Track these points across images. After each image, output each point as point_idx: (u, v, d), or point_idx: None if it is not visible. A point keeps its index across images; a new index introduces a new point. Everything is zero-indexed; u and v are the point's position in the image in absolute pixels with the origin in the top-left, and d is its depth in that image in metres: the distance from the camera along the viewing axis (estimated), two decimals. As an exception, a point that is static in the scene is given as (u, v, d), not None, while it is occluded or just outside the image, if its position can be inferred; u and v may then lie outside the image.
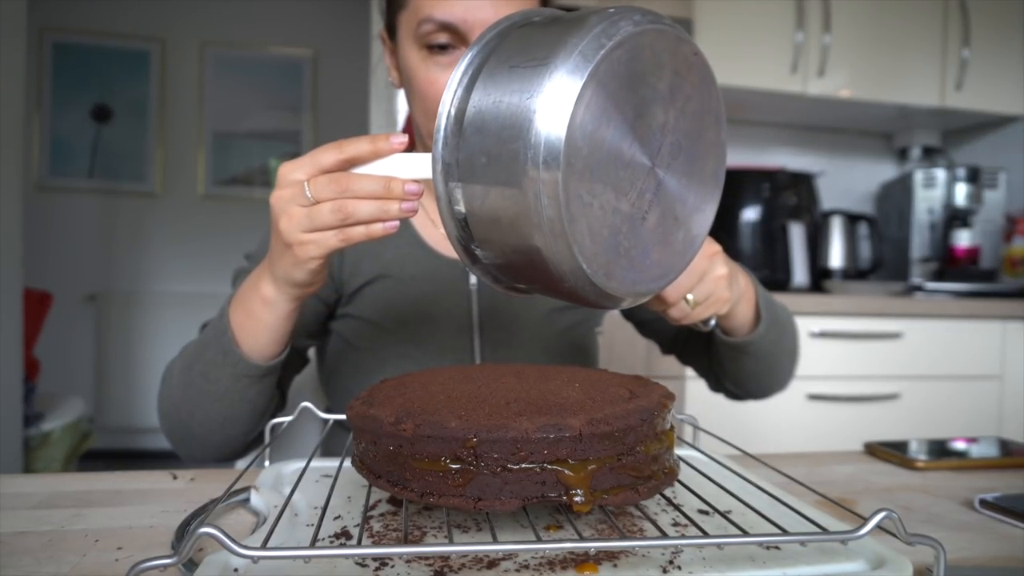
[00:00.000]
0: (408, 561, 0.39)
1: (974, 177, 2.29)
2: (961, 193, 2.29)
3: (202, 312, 3.35)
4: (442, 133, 0.43)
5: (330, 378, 0.88)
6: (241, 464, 0.85)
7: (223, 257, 3.54)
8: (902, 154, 2.63)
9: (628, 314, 0.93)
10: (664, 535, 0.38)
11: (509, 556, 0.40)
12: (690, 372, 0.94)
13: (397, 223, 0.53)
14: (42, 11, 3.37)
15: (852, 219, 2.22)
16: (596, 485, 0.39)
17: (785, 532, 0.37)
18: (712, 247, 0.65)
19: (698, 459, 0.61)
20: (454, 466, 0.39)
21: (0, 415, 1.95)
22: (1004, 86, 2.28)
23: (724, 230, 2.10)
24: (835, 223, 2.20)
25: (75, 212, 3.48)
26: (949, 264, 2.31)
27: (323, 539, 0.43)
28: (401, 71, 0.76)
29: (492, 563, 0.39)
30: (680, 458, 0.50)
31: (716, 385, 0.91)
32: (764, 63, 2.10)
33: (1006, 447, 0.73)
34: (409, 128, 0.89)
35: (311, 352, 0.91)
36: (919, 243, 2.35)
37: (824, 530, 0.39)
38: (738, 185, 2.09)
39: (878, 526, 0.35)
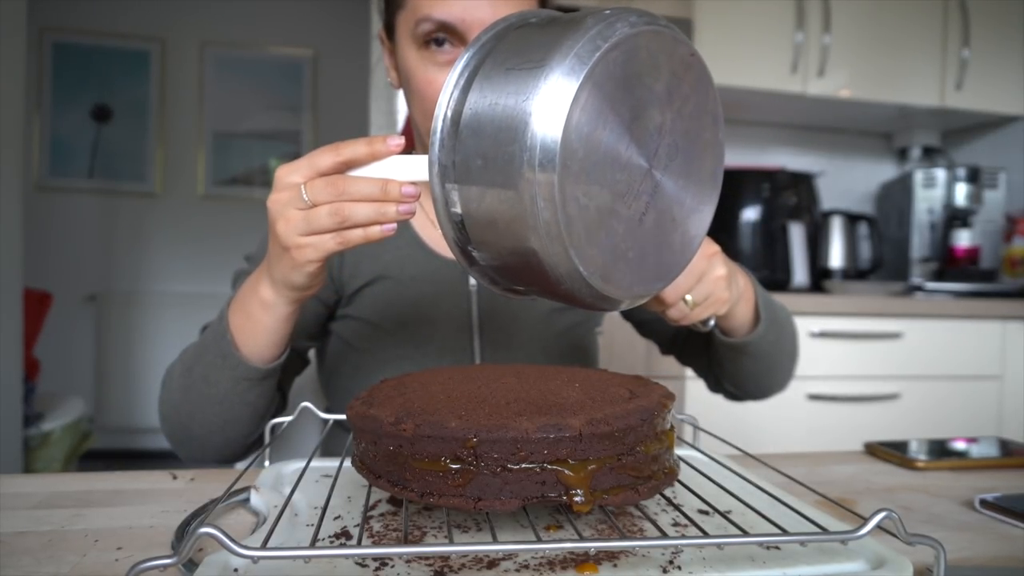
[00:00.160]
0: (408, 561, 0.39)
1: (974, 177, 2.29)
2: (961, 193, 2.29)
3: (202, 312, 3.35)
4: (438, 135, 0.43)
5: (330, 379, 0.88)
6: (241, 464, 0.85)
7: (223, 257, 3.54)
8: (902, 154, 2.63)
9: (627, 314, 0.93)
10: (664, 535, 0.38)
11: (509, 556, 0.40)
12: (690, 372, 0.94)
13: (395, 226, 0.52)
14: (42, 11, 3.37)
15: (852, 219, 2.22)
16: (596, 485, 0.39)
17: (785, 532, 0.37)
18: (711, 247, 0.65)
19: (698, 459, 0.61)
20: (454, 466, 0.39)
21: (0, 415, 1.94)
22: (1004, 86, 2.28)
23: (724, 230, 2.10)
24: (835, 223, 2.20)
25: (75, 212, 3.48)
26: (949, 264, 2.31)
27: (323, 539, 0.43)
28: (400, 71, 0.76)
29: (492, 563, 0.39)
30: (680, 458, 0.50)
31: (715, 385, 0.91)
32: (764, 63, 2.10)
33: (1006, 447, 0.73)
34: (409, 129, 0.89)
35: (311, 353, 0.91)
36: (919, 243, 2.35)
37: (824, 530, 0.39)
38: (738, 185, 2.09)
39: (878, 526, 0.35)
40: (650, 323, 0.93)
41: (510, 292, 0.50)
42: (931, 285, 2.16)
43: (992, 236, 2.39)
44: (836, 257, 2.20)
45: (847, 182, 2.61)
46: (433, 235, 0.84)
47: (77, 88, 3.47)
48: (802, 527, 0.41)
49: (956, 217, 2.32)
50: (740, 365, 0.81)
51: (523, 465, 0.39)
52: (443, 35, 0.69)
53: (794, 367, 0.88)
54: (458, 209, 0.44)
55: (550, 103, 0.38)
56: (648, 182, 0.44)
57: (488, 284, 0.49)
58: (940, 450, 0.71)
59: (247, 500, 0.51)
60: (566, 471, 0.39)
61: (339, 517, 0.47)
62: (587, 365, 0.90)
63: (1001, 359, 1.98)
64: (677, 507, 0.45)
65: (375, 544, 0.42)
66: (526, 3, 0.70)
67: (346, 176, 0.52)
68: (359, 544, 0.38)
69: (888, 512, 0.35)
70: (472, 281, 0.82)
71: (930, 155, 2.58)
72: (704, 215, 0.49)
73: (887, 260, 2.42)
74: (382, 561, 0.39)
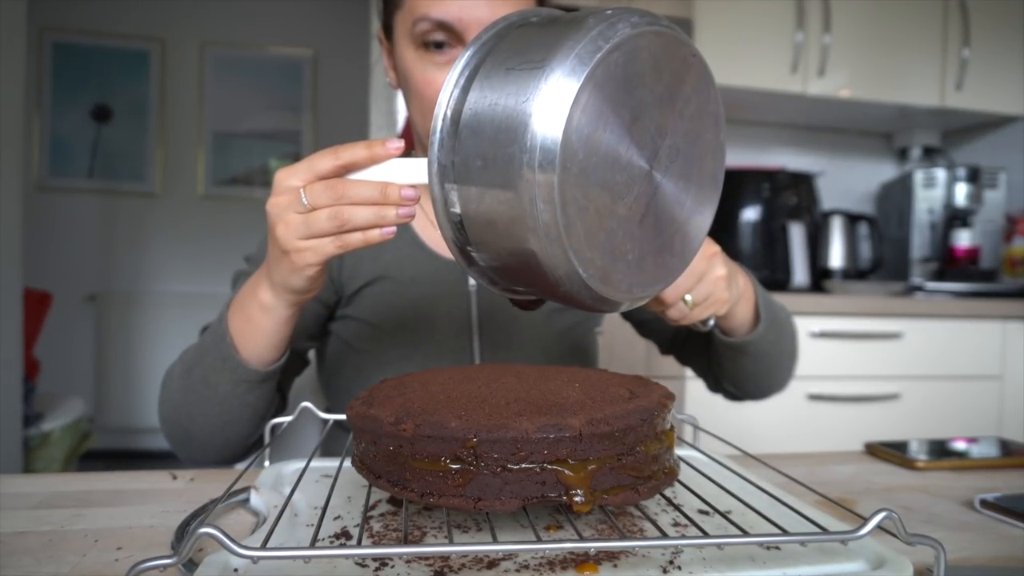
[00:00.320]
0: (408, 561, 0.39)
1: (974, 177, 2.29)
2: (961, 193, 2.29)
3: (202, 312, 3.35)
4: (438, 135, 0.43)
5: (330, 379, 0.88)
6: (241, 465, 0.85)
7: (223, 257, 3.54)
8: (902, 154, 2.63)
9: (627, 314, 0.93)
10: (664, 535, 0.38)
11: (509, 556, 0.40)
12: (690, 372, 0.93)
13: (394, 229, 0.52)
14: (42, 11, 3.37)
15: (852, 219, 2.22)
16: (596, 485, 0.39)
17: (785, 532, 0.37)
18: (711, 248, 0.65)
19: (698, 459, 0.61)
20: (454, 466, 0.39)
21: (0, 415, 1.94)
22: (1004, 86, 2.28)
23: (724, 230, 2.10)
24: (835, 223, 2.20)
25: (75, 212, 3.48)
26: (949, 264, 2.31)
27: (323, 539, 0.43)
28: (398, 71, 0.76)
29: (492, 563, 0.39)
30: (680, 458, 0.50)
31: (715, 385, 0.91)
32: (764, 63, 2.10)
33: (1006, 447, 0.73)
34: (408, 129, 0.89)
35: (311, 354, 0.91)
36: (919, 243, 2.35)
37: (824, 530, 0.39)
38: (738, 185, 2.09)
39: (878, 526, 0.35)
40: (650, 323, 0.93)
41: (509, 292, 0.50)
42: (931, 285, 2.16)
43: (992, 236, 2.39)
44: (836, 257, 2.20)
45: (847, 182, 2.61)
46: (433, 236, 0.84)
47: (77, 88, 3.47)
48: (802, 527, 0.41)
49: (956, 217, 2.32)
50: (740, 365, 0.81)
51: (523, 465, 0.39)
52: (441, 36, 0.69)
53: (794, 367, 0.88)
54: (457, 209, 0.44)
55: (550, 104, 0.38)
56: (648, 184, 0.43)
57: (487, 284, 0.49)
58: (940, 450, 0.71)
59: (247, 500, 0.51)
60: (566, 471, 0.39)
61: (339, 517, 0.47)
62: (587, 365, 0.90)
63: (1001, 359, 1.98)
64: (677, 507, 0.45)
65: (375, 544, 0.42)
66: (525, 1, 0.70)
67: (345, 180, 0.52)
68: (359, 544, 0.38)
69: (888, 512, 0.35)
70: (472, 282, 0.82)
71: (930, 155, 2.58)
72: (704, 216, 0.49)
73: (887, 260, 2.42)
74: (382, 561, 0.39)
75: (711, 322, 0.75)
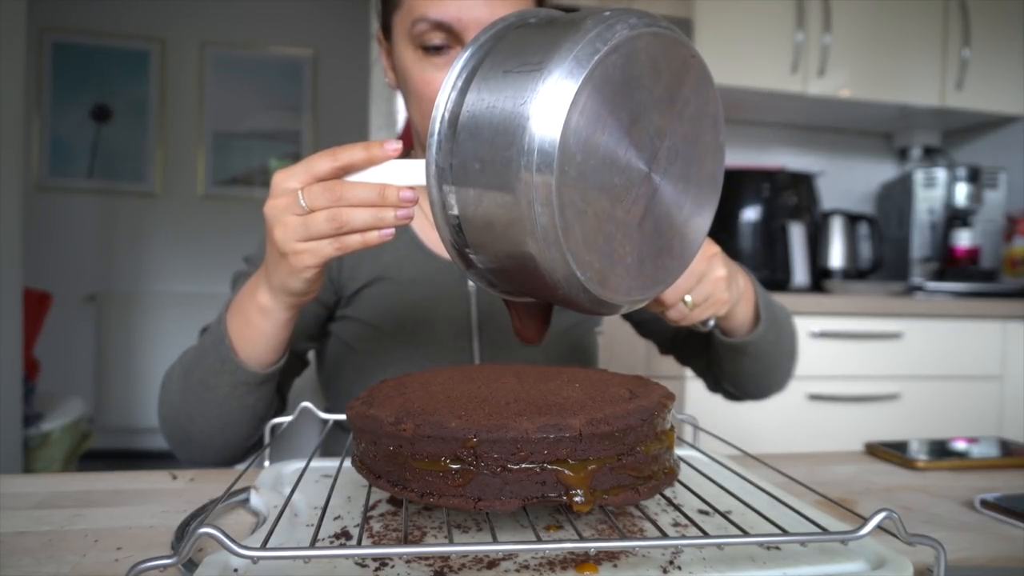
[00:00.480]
0: (408, 561, 0.39)
1: (974, 177, 2.29)
2: (961, 193, 2.29)
3: (202, 312, 3.35)
4: (436, 137, 0.43)
5: (329, 380, 0.88)
6: (241, 465, 0.85)
7: (223, 257, 3.54)
8: (902, 154, 2.63)
9: (626, 314, 0.93)
10: (664, 535, 0.38)
11: (509, 556, 0.40)
12: (690, 372, 0.93)
13: (393, 231, 0.52)
14: (42, 11, 3.37)
15: (852, 219, 2.22)
16: (596, 485, 0.39)
17: (785, 532, 0.37)
18: (711, 248, 0.65)
19: (698, 459, 0.61)
20: (454, 466, 0.39)
21: (0, 415, 1.94)
22: (1004, 86, 2.28)
23: (724, 230, 2.10)
24: (835, 223, 2.20)
25: (75, 212, 3.48)
26: (949, 264, 2.31)
27: (323, 539, 0.43)
28: (397, 71, 0.76)
29: (492, 563, 0.39)
30: (680, 458, 0.50)
31: (714, 385, 0.91)
32: (764, 63, 2.10)
33: (1006, 447, 0.73)
34: (408, 129, 0.89)
35: (311, 354, 0.91)
36: (919, 243, 2.35)
37: (824, 530, 0.39)
38: (738, 185, 2.09)
39: (878, 526, 0.35)
40: (649, 323, 0.93)
41: (508, 295, 0.50)
42: (931, 285, 2.16)
43: (992, 236, 2.39)
44: (836, 257, 2.20)
45: (847, 182, 2.61)
46: (432, 236, 0.84)
47: (77, 88, 3.47)
48: (802, 527, 0.41)
49: (956, 217, 2.32)
50: (739, 365, 0.81)
51: (523, 465, 0.39)
52: (439, 37, 0.69)
53: (793, 367, 0.88)
54: (455, 212, 0.44)
55: (548, 107, 0.38)
56: (647, 186, 0.43)
57: (486, 286, 0.49)
58: (940, 450, 0.71)
59: (247, 500, 0.51)
60: (566, 471, 0.39)
61: (339, 517, 0.47)
62: (587, 365, 0.90)
63: (1001, 359, 1.98)
64: (677, 507, 0.45)
65: (375, 544, 0.42)
66: (523, 2, 0.70)
67: (344, 181, 0.52)
68: (359, 544, 0.38)
69: (888, 512, 0.35)
70: (471, 282, 0.82)
71: (930, 155, 2.58)
72: (704, 218, 0.49)
73: (887, 260, 2.42)
74: (382, 561, 0.39)
75: (711, 323, 0.75)
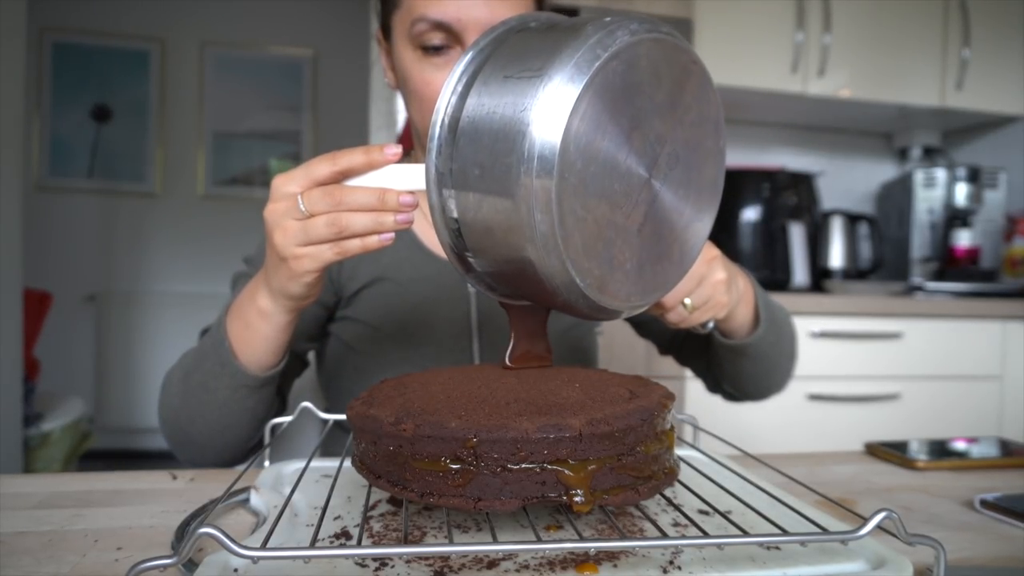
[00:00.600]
0: (408, 561, 0.39)
1: (974, 177, 2.29)
2: (961, 193, 2.29)
3: (202, 312, 3.35)
4: (435, 141, 0.43)
5: (330, 381, 0.87)
6: (241, 465, 0.85)
7: (223, 257, 3.54)
8: (902, 154, 2.63)
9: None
10: (664, 535, 0.38)
11: (509, 556, 0.40)
12: (690, 372, 0.94)
13: (393, 235, 0.52)
14: (42, 11, 3.37)
15: (852, 219, 2.22)
16: (596, 485, 0.39)
17: (785, 532, 0.37)
18: (711, 251, 0.65)
19: (698, 459, 0.61)
20: (454, 466, 0.39)
21: (0, 415, 1.94)
22: (1004, 86, 2.28)
23: (724, 230, 2.10)
24: (835, 223, 2.20)
25: (75, 212, 3.48)
26: (949, 264, 2.31)
27: (323, 539, 0.43)
28: (397, 72, 0.76)
29: (492, 563, 0.39)
30: (680, 458, 0.50)
31: (714, 386, 0.91)
32: (764, 63, 2.10)
33: (1006, 447, 0.73)
34: (408, 130, 0.89)
35: (311, 355, 0.91)
36: (919, 243, 2.35)
37: (824, 530, 0.39)
38: (738, 185, 2.09)
39: (878, 526, 0.35)
40: (648, 324, 0.93)
41: (507, 298, 0.50)
42: (931, 285, 2.16)
43: (992, 236, 2.39)
44: (836, 257, 2.20)
45: (847, 182, 2.61)
46: (432, 237, 0.84)
47: (77, 88, 3.47)
48: (802, 527, 0.41)
49: (956, 217, 2.32)
50: (739, 366, 0.81)
51: (523, 465, 0.39)
52: (439, 37, 0.69)
53: (793, 368, 0.88)
54: (455, 216, 0.44)
55: (548, 114, 0.38)
56: (647, 192, 0.43)
57: (485, 290, 0.49)
58: (940, 450, 0.71)
59: (247, 500, 0.51)
60: (566, 471, 0.39)
61: (339, 517, 0.47)
62: (587, 366, 0.90)
63: (1001, 359, 1.98)
64: (677, 507, 0.45)
65: (375, 544, 0.42)
66: (522, 2, 0.70)
67: (343, 186, 0.52)
68: (359, 544, 0.38)
69: (888, 512, 0.35)
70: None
71: (930, 155, 2.58)
72: (704, 223, 0.49)
73: (887, 260, 2.42)
74: (382, 561, 0.39)
75: (710, 324, 0.75)
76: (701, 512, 0.48)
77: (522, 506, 0.39)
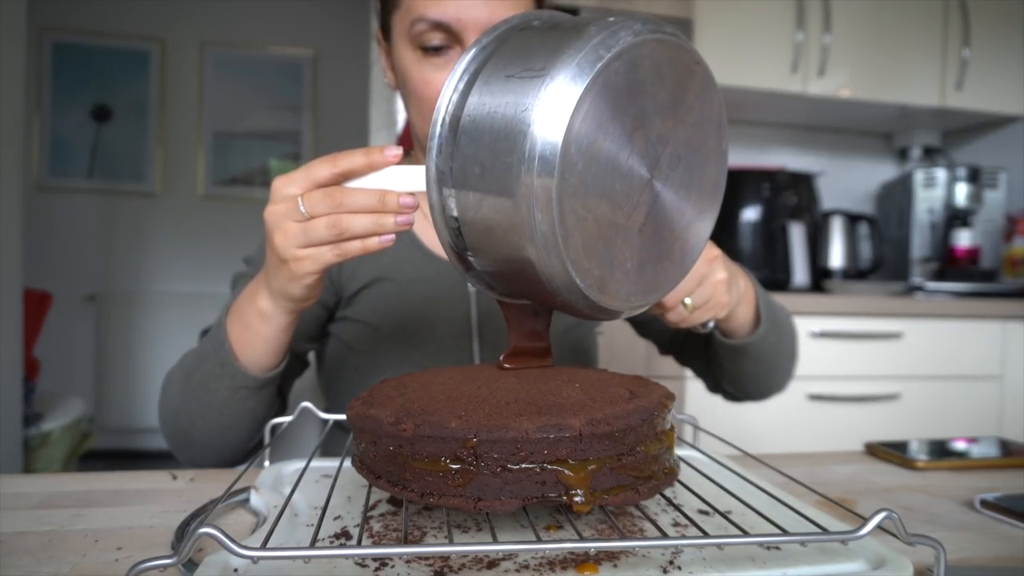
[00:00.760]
0: (408, 561, 0.39)
1: (974, 177, 2.29)
2: (961, 193, 2.29)
3: (202, 312, 3.35)
4: (436, 141, 0.43)
5: (330, 381, 0.87)
6: (241, 465, 0.85)
7: (223, 257, 3.54)
8: (902, 154, 2.63)
9: (628, 314, 0.93)
10: (664, 535, 0.38)
11: (509, 556, 0.40)
12: (690, 372, 0.94)
13: (393, 236, 0.52)
14: (42, 11, 3.37)
15: (852, 219, 2.22)
16: (596, 485, 0.39)
17: (785, 532, 0.37)
18: (712, 251, 0.65)
19: (698, 459, 0.61)
20: (454, 466, 0.39)
21: (0, 415, 1.94)
22: (1004, 86, 2.28)
23: (724, 230, 2.10)
24: (835, 223, 2.20)
25: (75, 212, 3.48)
26: (949, 264, 2.31)
27: (323, 539, 0.43)
28: (396, 72, 0.76)
29: (492, 563, 0.39)
30: (680, 458, 0.50)
31: (714, 386, 0.91)
32: (764, 63, 2.10)
33: (1006, 447, 0.73)
34: (408, 130, 0.89)
35: (311, 355, 0.91)
36: (919, 243, 2.35)
37: (824, 530, 0.39)
38: (738, 185, 2.09)
39: (878, 526, 0.35)
40: (648, 323, 0.93)
41: (507, 298, 0.50)
42: (931, 285, 2.16)
43: (992, 236, 2.39)
44: (836, 257, 2.20)
45: (847, 182, 2.61)
46: (432, 237, 0.84)
47: (77, 88, 3.47)
48: (802, 527, 0.41)
49: (956, 217, 2.32)
50: (740, 366, 0.81)
51: (523, 465, 0.38)
52: (439, 37, 0.69)
53: (793, 368, 0.88)
54: (455, 214, 0.44)
55: (550, 114, 0.38)
56: (648, 192, 0.43)
57: (485, 290, 0.49)
58: (940, 450, 0.71)
59: (247, 500, 0.51)
60: (566, 471, 0.39)
61: (339, 517, 0.47)
62: (587, 366, 0.90)
63: (1001, 359, 1.98)
64: (677, 507, 0.45)
65: (375, 544, 0.42)
66: (522, 2, 0.70)
67: (343, 188, 0.52)
68: (359, 544, 0.38)
69: (888, 512, 0.35)
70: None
71: (930, 155, 2.58)
72: (705, 224, 0.49)
73: (887, 260, 2.42)
74: (382, 561, 0.39)
75: (711, 324, 0.75)
76: (701, 512, 0.48)
77: (522, 506, 0.39)
